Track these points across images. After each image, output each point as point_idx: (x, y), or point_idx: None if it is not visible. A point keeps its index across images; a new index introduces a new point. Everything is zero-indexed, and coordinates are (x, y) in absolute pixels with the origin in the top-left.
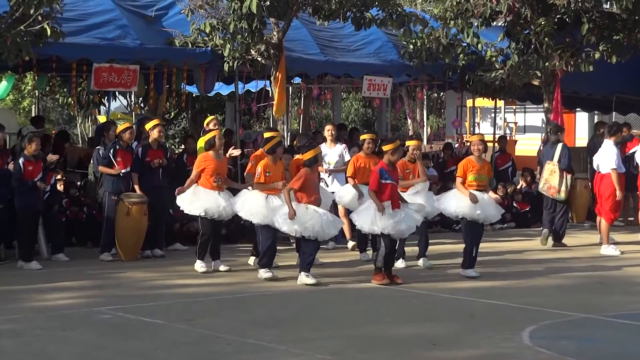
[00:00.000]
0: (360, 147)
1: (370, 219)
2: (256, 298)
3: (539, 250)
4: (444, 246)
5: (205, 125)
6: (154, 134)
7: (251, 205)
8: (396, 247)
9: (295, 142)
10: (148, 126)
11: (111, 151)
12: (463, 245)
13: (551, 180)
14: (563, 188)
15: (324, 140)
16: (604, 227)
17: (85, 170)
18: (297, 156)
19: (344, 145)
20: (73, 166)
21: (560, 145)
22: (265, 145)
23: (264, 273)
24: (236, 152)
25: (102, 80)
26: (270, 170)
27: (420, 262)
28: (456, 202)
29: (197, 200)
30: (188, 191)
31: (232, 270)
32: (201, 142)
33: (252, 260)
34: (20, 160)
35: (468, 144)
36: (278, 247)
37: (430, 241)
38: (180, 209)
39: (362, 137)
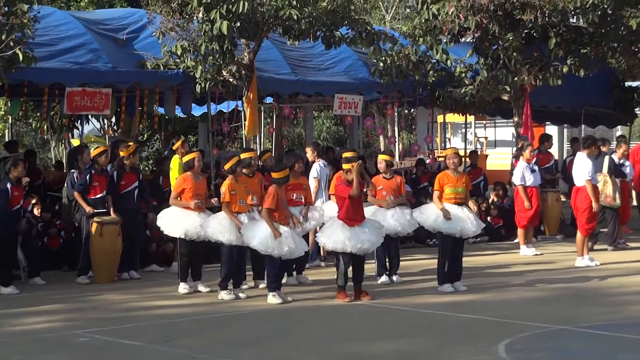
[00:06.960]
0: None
1: (333, 236)
2: (233, 317)
3: (513, 263)
4: (418, 262)
5: (174, 148)
6: (132, 158)
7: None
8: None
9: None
10: (125, 153)
11: (87, 177)
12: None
13: (606, 190)
14: (618, 195)
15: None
16: (578, 239)
17: (55, 193)
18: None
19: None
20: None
21: (607, 158)
22: (225, 164)
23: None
24: None
25: (75, 104)
26: (235, 188)
27: (395, 278)
28: (434, 215)
29: (177, 221)
30: (169, 212)
31: (212, 291)
32: (175, 162)
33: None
34: (8, 185)
35: (441, 159)
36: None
37: (404, 257)
38: (159, 229)
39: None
